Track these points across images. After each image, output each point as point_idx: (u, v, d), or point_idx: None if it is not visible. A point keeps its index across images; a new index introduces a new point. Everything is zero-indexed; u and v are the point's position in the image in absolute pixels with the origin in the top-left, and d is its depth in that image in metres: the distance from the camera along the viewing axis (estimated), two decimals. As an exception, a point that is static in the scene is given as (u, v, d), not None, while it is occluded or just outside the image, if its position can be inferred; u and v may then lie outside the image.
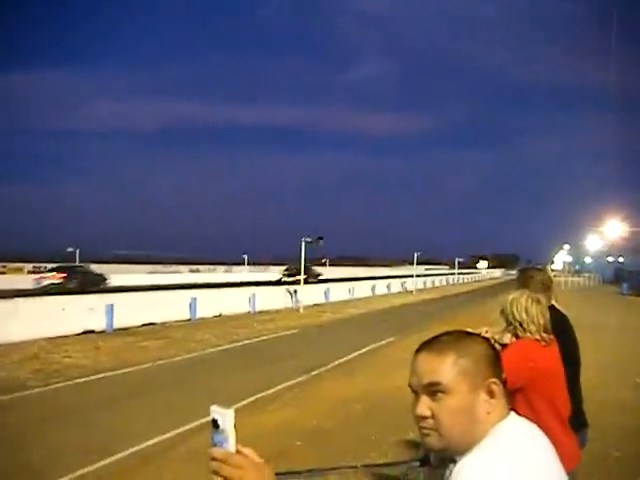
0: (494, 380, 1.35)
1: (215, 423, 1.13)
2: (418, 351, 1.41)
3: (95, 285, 36.35)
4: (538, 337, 2.99)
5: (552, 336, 3.05)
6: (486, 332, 3.13)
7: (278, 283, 43.45)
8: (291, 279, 49.58)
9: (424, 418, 1.34)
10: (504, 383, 1.39)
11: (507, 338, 3.12)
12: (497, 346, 3.01)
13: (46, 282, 35.63)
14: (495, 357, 1.40)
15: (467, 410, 1.32)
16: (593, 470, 5.65)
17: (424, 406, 1.34)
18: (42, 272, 38.67)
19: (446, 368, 1.33)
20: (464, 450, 1.31)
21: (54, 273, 36.82)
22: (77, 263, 46.76)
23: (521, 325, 3.03)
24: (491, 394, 1.34)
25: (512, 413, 1.39)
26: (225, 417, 1.12)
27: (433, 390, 1.33)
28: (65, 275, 36.61)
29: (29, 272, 61.81)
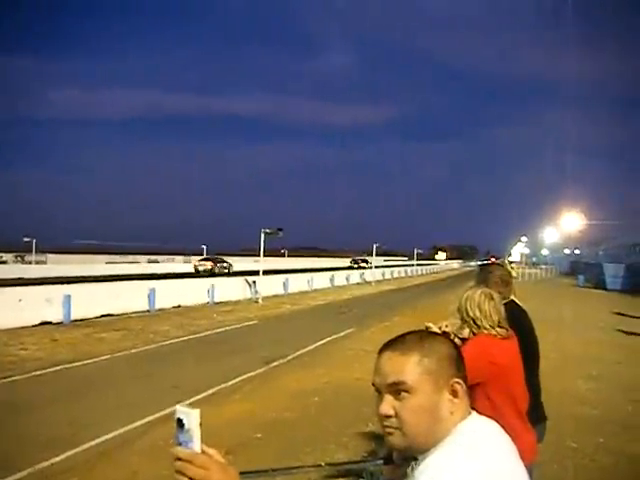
0: (457, 380, 1.37)
1: (180, 422, 1.12)
2: (382, 350, 1.41)
3: (227, 270, 53.44)
4: (494, 333, 2.98)
5: (510, 331, 3.05)
6: (446, 326, 3.15)
7: (350, 268, 64.17)
8: (356, 266, 76.24)
9: (388, 417, 1.34)
10: (466, 382, 1.41)
11: (466, 332, 3.13)
12: (457, 340, 3.04)
13: (202, 268, 52.09)
14: (458, 357, 1.42)
15: (431, 410, 1.33)
16: (550, 461, 5.77)
17: (388, 405, 1.34)
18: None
19: (410, 368, 1.34)
20: (426, 449, 1.32)
21: (206, 262, 54.36)
22: (215, 256, 62.28)
23: (475, 322, 3.03)
24: (454, 394, 1.36)
25: (474, 412, 1.40)
26: (190, 417, 1.12)
27: (397, 389, 1.34)
28: (213, 263, 53.93)
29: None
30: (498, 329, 3.00)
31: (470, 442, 1.30)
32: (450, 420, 1.34)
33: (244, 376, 10.41)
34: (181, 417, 1.12)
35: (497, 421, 2.93)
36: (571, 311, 24.02)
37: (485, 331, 3.01)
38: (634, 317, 20.75)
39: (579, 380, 10.21)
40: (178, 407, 1.13)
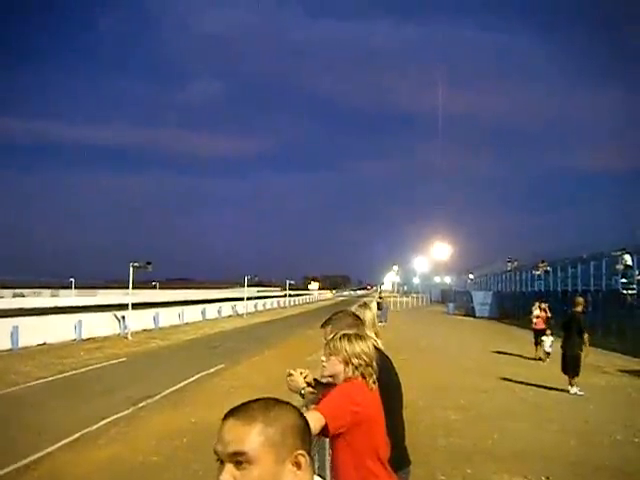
0: (301, 452, 1.31)
1: None
2: (226, 417, 1.34)
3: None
4: (366, 378, 2.81)
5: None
6: (306, 377, 3.10)
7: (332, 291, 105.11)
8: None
9: None
10: (310, 453, 1.37)
11: (326, 375, 2.93)
12: (321, 381, 2.99)
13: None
14: (304, 427, 1.36)
15: None
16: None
17: (228, 475, 1.27)
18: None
19: (252, 438, 1.28)
20: None
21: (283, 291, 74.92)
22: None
23: (355, 364, 2.81)
24: (298, 466, 1.30)
25: None
26: None
27: (238, 460, 1.27)
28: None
29: None
30: (369, 369, 2.83)
31: None
32: None
33: (110, 418, 9.91)
34: None
35: (359, 469, 2.98)
36: (441, 339, 24.70)
37: (357, 376, 2.82)
38: (504, 353, 19.75)
39: (449, 410, 10.16)
40: None
